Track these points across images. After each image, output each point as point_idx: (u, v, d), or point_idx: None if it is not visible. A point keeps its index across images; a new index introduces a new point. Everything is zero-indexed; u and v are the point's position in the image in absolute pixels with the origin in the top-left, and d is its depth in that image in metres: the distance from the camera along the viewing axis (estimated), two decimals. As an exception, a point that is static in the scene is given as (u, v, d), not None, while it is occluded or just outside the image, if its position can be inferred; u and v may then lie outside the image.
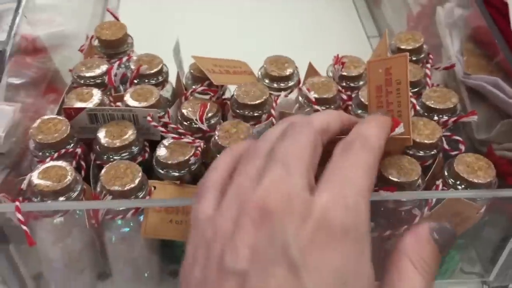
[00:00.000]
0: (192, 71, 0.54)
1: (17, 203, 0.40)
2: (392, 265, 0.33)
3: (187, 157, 0.45)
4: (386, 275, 0.33)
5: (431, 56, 0.58)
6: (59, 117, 0.48)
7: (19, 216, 0.39)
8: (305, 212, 0.29)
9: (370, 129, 0.37)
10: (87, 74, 0.53)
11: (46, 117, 0.48)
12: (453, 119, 0.49)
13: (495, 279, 0.50)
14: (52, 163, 0.44)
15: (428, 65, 0.57)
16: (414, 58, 0.57)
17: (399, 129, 0.42)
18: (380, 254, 0.47)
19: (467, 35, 0.59)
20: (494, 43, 0.55)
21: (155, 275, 0.50)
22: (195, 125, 0.49)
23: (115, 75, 0.53)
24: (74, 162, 0.46)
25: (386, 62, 0.46)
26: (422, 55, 0.57)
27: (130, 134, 0.47)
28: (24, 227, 0.39)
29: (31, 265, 0.48)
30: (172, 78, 0.57)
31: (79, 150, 0.47)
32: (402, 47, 0.57)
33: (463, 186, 0.44)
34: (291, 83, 0.54)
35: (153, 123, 0.47)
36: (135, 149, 0.47)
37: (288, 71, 0.54)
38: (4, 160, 0.49)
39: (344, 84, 0.55)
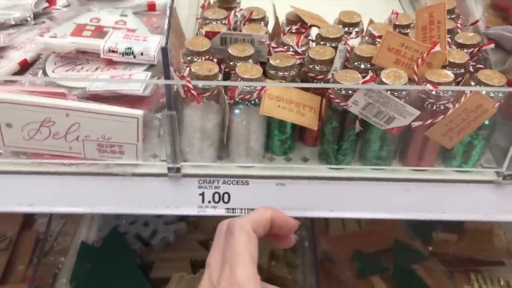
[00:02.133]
0: (287, 17, 0.76)
1: (187, 79, 0.62)
2: None
3: (291, 63, 0.66)
4: None
5: (461, 16, 0.78)
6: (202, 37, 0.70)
7: (190, 86, 0.61)
8: None
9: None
10: (213, 17, 0.75)
11: (193, 37, 0.70)
12: (476, 49, 0.69)
13: (507, 169, 0.69)
14: (204, 61, 0.65)
15: (459, 23, 0.77)
16: (448, 17, 0.78)
17: (437, 48, 0.63)
18: (424, 139, 0.67)
19: (487, 3, 0.80)
20: (509, 8, 0.75)
21: (260, 151, 0.70)
22: (292, 49, 0.70)
23: (232, 19, 0.75)
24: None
25: (430, 9, 0.67)
26: (454, 15, 0.78)
27: (251, 49, 0.68)
28: (193, 91, 0.60)
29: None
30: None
31: (215, 59, 0.69)
32: (440, 9, 0.78)
33: (483, 89, 0.64)
34: (357, 29, 0.75)
35: (267, 42, 0.69)
36: (252, 60, 0.68)
37: (356, 20, 0.75)
38: (157, 70, 0.71)
39: (396, 30, 0.75)
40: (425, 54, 0.65)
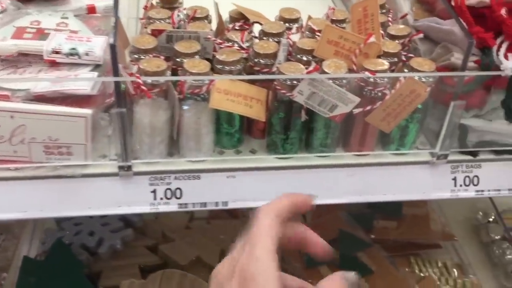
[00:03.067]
0: (231, 14, 0.78)
1: (136, 75, 0.62)
2: None
3: (238, 58, 0.69)
4: None
5: (391, 11, 0.84)
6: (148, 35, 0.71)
7: (139, 81, 0.61)
8: None
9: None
10: (157, 17, 0.76)
11: (140, 35, 0.70)
12: (407, 39, 0.74)
13: (440, 149, 0.74)
14: (152, 58, 0.66)
15: (389, 17, 0.83)
16: (379, 12, 0.83)
17: (372, 39, 0.67)
18: (364, 125, 0.71)
19: (414, -1, 0.86)
20: (434, 1, 0.81)
21: (210, 145, 0.72)
22: (237, 45, 0.72)
23: (176, 18, 0.77)
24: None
25: (364, 3, 0.71)
26: (385, 10, 0.83)
27: (197, 45, 0.70)
28: (143, 87, 0.61)
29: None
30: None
31: (162, 57, 0.70)
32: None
33: (415, 75, 0.69)
34: (297, 24, 0.79)
35: (212, 39, 0.71)
36: (199, 56, 0.70)
37: (296, 16, 0.78)
38: (103, 70, 0.71)
39: (334, 24, 0.79)
40: (362, 45, 0.69)
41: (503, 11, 0.67)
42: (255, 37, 0.76)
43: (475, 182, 0.77)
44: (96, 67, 0.71)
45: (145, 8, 0.82)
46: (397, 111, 0.70)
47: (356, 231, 1.28)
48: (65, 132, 0.66)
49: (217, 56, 0.69)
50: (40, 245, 1.25)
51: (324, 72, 0.67)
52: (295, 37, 0.76)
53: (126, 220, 1.26)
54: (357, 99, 0.68)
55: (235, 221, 1.31)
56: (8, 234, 1.30)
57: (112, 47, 0.59)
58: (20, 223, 1.34)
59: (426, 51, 0.78)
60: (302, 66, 0.68)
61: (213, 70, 0.69)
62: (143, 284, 1.12)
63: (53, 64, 0.71)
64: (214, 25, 0.79)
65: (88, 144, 0.67)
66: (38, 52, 0.70)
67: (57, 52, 0.70)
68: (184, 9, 0.79)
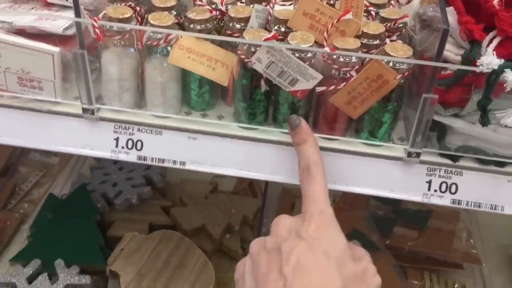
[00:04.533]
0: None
1: (95, 18, 0.64)
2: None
3: (206, 17, 0.68)
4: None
5: (400, -5, 0.78)
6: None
7: (95, 24, 0.63)
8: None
9: (314, 152, 0.63)
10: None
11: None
12: (393, 22, 0.69)
13: (411, 146, 0.68)
14: (120, 6, 0.68)
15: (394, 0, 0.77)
16: (386, -5, 0.77)
17: (349, 16, 0.63)
18: (326, 105, 0.67)
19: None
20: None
21: (175, 103, 0.72)
22: (216, 7, 0.71)
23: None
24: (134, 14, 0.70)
25: (353, -21, 0.67)
26: (393, -7, 0.78)
27: (172, 1, 0.70)
28: (97, 30, 0.63)
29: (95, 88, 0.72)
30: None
31: (138, 8, 0.71)
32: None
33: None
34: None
35: (189, -2, 0.71)
36: (174, 12, 0.70)
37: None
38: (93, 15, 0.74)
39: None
40: (336, 21, 0.65)
41: (495, 2, 0.60)
42: (242, 3, 0.75)
43: (453, 190, 0.70)
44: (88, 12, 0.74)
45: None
46: (364, 96, 0.65)
47: (370, 233, 1.23)
48: (35, 67, 0.69)
49: (187, 14, 0.69)
50: (70, 187, 1.34)
51: (287, 43, 0.64)
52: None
53: (149, 179, 1.31)
54: (318, 76, 0.64)
55: (253, 199, 1.31)
56: (47, 172, 1.41)
57: (73, -12, 0.61)
58: (61, 164, 1.44)
59: (423, 40, 0.71)
60: (266, 33, 0.66)
61: (183, 27, 0.69)
62: (144, 239, 1.15)
63: (46, 4, 0.75)
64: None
65: (57, 82, 0.70)
66: (31, -10, 0.74)
67: (48, -8, 0.74)
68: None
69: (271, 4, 0.72)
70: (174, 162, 0.74)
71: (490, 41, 0.61)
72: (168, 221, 1.24)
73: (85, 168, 1.42)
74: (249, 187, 1.37)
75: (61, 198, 1.29)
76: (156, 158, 0.74)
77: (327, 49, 0.63)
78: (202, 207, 1.25)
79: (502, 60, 0.58)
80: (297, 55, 0.64)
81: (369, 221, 1.26)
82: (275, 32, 0.65)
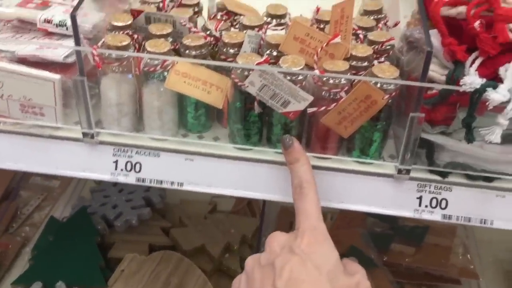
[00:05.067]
0: (218, 5, 0.81)
1: (94, 47, 0.67)
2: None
3: (201, 43, 0.71)
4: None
5: (387, 17, 0.81)
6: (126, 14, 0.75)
7: (95, 52, 0.66)
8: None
9: (306, 171, 0.65)
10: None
11: (118, 13, 0.75)
12: (380, 44, 0.72)
13: (400, 163, 0.70)
14: (119, 34, 0.71)
15: (383, 23, 0.80)
16: (374, 17, 0.80)
17: (337, 39, 0.66)
18: (318, 125, 0.70)
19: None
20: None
21: (172, 126, 0.75)
22: (211, 33, 0.74)
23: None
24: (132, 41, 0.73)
25: (342, 4, 0.70)
26: (381, 15, 0.81)
27: (169, 28, 0.73)
28: (96, 57, 0.66)
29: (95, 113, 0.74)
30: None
31: (136, 35, 0.74)
32: (368, 9, 0.81)
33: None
34: (283, 20, 0.79)
35: (186, 24, 0.73)
36: (170, 39, 0.73)
37: (281, 12, 0.79)
38: (92, 43, 0.77)
39: (317, 25, 0.79)
40: (325, 44, 0.68)
41: (476, 24, 0.62)
42: (236, 28, 0.78)
43: (443, 206, 0.72)
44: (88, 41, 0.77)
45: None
46: (354, 116, 0.67)
47: (367, 250, 1.24)
48: (37, 94, 0.72)
49: (182, 40, 0.71)
50: (71, 210, 1.36)
51: (278, 67, 0.67)
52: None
53: (148, 200, 1.33)
54: (309, 97, 0.67)
55: (252, 219, 1.33)
56: (48, 195, 1.43)
57: (72, 18, 0.64)
58: (62, 187, 1.46)
59: (410, 61, 0.74)
60: (258, 57, 0.68)
61: (179, 53, 0.72)
62: (144, 260, 1.17)
63: (47, 33, 0.78)
64: (205, 14, 0.82)
65: (57, 107, 0.73)
66: (33, 21, 0.77)
67: (48, 22, 0.76)
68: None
69: (263, 30, 0.75)
70: (172, 183, 0.76)
71: (473, 62, 0.64)
72: (168, 242, 1.25)
73: (85, 191, 1.44)
74: (247, 207, 1.39)
75: (62, 221, 1.31)
76: (154, 180, 0.76)
77: (317, 71, 0.65)
78: (202, 227, 1.27)
79: (484, 80, 0.60)
80: (288, 78, 0.66)
81: (366, 238, 1.28)
82: (267, 56, 0.67)
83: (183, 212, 1.34)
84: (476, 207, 0.72)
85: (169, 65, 0.68)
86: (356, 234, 1.29)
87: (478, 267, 1.25)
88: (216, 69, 0.71)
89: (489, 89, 0.59)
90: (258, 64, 0.66)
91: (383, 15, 0.81)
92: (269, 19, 0.78)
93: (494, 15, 0.62)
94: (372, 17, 0.80)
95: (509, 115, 0.60)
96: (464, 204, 0.72)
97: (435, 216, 0.72)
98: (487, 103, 0.60)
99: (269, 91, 0.67)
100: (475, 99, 0.61)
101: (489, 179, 0.70)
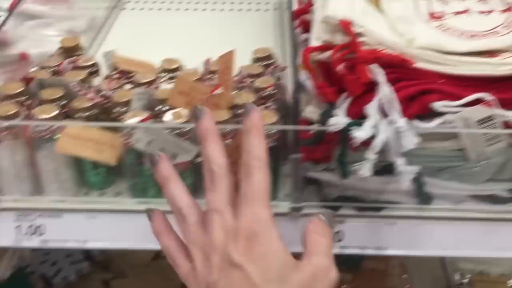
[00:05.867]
0: (113, 65, 0.84)
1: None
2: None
3: (87, 105, 0.73)
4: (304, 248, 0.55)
5: (276, 63, 0.85)
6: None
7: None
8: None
9: (257, 146, 0.56)
10: (49, 64, 0.83)
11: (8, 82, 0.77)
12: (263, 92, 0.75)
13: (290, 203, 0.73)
14: (6, 103, 0.73)
15: (274, 67, 0.84)
16: (265, 63, 0.84)
17: (219, 90, 0.69)
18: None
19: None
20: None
21: (71, 186, 0.76)
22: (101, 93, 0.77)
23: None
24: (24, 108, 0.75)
25: (225, 56, 0.74)
26: (272, 61, 0.84)
27: (60, 93, 0.75)
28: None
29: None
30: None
31: (30, 102, 0.76)
32: (257, 56, 0.85)
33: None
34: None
35: (76, 88, 0.76)
36: (63, 102, 0.75)
37: (174, 66, 0.82)
38: None
39: (209, 75, 0.82)
40: (207, 96, 0.71)
41: (340, 67, 0.66)
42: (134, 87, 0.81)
43: (339, 238, 0.75)
44: None
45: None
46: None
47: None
48: None
49: (70, 104, 0.74)
50: (11, 271, 1.34)
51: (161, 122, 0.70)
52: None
53: (87, 253, 1.33)
54: (194, 148, 0.69)
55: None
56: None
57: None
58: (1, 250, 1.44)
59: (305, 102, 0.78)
60: (145, 114, 0.71)
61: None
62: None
63: None
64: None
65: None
66: None
67: None
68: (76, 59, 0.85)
69: (154, 85, 0.78)
70: (77, 241, 0.77)
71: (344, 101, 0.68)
72: (110, 295, 1.25)
73: (27, 250, 1.43)
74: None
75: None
76: (59, 240, 0.77)
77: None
78: (145, 276, 1.27)
79: (349, 119, 0.64)
80: (177, 130, 0.69)
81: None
82: (149, 114, 0.70)
83: (125, 261, 1.34)
84: (370, 236, 0.75)
85: (56, 129, 0.70)
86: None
87: (418, 285, 1.27)
88: (108, 127, 0.74)
89: (353, 128, 0.63)
90: (142, 121, 0.69)
91: (271, 61, 0.85)
92: (162, 74, 0.81)
93: (355, 58, 0.66)
94: (262, 64, 0.84)
95: (375, 149, 0.63)
96: (358, 234, 0.75)
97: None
98: (350, 142, 0.63)
99: (157, 145, 0.70)
100: (343, 137, 0.64)
101: (377, 209, 0.74)
